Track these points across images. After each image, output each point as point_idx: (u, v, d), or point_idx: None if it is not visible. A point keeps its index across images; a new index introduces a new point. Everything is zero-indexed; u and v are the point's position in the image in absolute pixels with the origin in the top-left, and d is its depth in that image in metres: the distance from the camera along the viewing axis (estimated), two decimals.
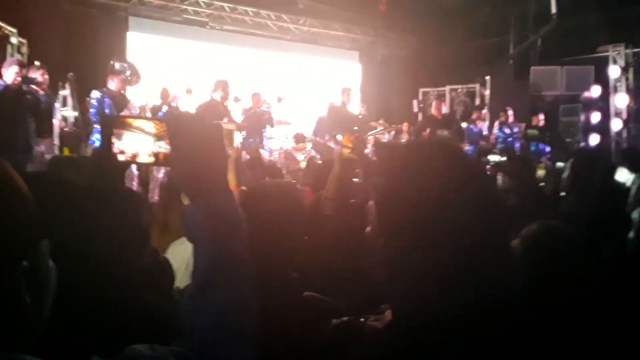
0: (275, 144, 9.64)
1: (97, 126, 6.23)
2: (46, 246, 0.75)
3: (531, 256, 1.56)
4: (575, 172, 3.10)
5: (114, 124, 1.08)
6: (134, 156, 1.05)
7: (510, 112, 9.77)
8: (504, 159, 3.48)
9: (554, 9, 11.07)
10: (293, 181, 7.02)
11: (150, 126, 1.05)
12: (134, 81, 6.80)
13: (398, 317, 0.92)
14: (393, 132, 11.81)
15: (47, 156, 6.66)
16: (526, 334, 1.03)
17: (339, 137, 6.18)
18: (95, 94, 6.39)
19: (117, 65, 6.57)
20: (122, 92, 6.66)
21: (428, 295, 0.84)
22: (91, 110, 6.46)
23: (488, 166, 3.44)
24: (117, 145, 1.07)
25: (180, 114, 1.03)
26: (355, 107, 8.15)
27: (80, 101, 7.37)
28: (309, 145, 10.43)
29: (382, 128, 11.48)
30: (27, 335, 0.71)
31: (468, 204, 0.84)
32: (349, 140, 4.37)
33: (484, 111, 10.00)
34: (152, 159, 1.03)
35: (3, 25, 8.27)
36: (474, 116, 10.01)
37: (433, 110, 8.71)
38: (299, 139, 10.57)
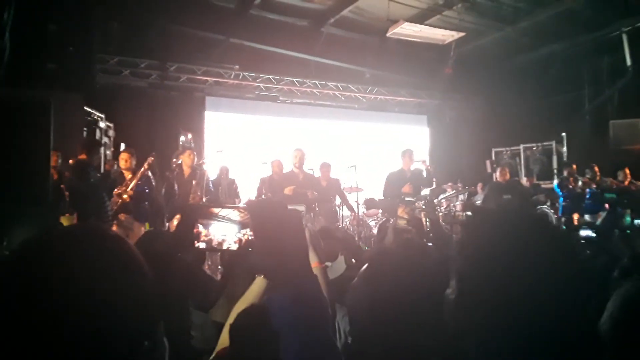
0: (347, 211, 9.62)
1: None
2: (162, 326, 0.76)
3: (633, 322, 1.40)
4: None
5: (199, 214, 1.12)
6: (220, 244, 1.07)
7: (595, 169, 9.23)
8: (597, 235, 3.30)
9: (629, 61, 10.72)
10: (366, 248, 6.92)
11: (236, 214, 1.09)
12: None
13: None
14: (467, 194, 11.58)
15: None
16: None
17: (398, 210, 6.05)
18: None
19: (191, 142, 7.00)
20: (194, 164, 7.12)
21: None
22: None
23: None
24: (204, 233, 1.10)
25: (262, 200, 1.06)
26: (417, 165, 8.03)
27: (162, 177, 7.74)
28: (380, 210, 10.35)
29: (454, 191, 11.31)
30: None
31: (551, 275, 0.85)
32: (405, 211, 4.33)
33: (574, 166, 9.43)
34: (236, 246, 1.06)
35: (93, 111, 9.03)
36: (565, 173, 9.45)
37: (498, 177, 8.59)
38: (370, 204, 10.55)
